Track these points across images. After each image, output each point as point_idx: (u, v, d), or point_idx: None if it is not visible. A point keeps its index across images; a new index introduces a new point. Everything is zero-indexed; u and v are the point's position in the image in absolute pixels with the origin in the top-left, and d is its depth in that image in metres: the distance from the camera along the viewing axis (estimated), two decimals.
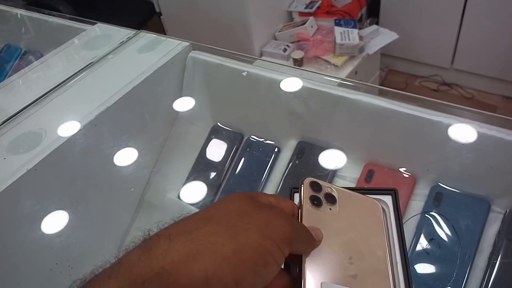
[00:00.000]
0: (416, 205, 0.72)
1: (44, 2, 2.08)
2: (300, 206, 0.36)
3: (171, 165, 0.92)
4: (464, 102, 2.23)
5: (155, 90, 0.86)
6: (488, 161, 0.67)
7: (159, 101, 0.90)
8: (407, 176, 0.75)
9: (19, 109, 0.78)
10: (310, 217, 0.35)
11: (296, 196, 0.42)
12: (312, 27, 1.97)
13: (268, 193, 0.37)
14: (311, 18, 1.97)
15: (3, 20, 1.20)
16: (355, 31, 1.86)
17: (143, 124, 0.88)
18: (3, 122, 0.75)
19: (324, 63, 1.87)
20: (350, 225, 0.37)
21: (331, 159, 0.81)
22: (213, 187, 0.87)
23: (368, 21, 2.09)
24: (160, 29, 2.22)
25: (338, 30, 1.87)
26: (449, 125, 0.67)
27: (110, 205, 0.81)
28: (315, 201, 0.36)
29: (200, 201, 0.86)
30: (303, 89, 0.79)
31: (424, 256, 0.66)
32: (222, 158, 0.90)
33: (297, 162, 0.84)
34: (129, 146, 0.82)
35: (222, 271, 0.26)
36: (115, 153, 0.80)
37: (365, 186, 0.76)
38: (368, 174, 0.77)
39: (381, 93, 0.76)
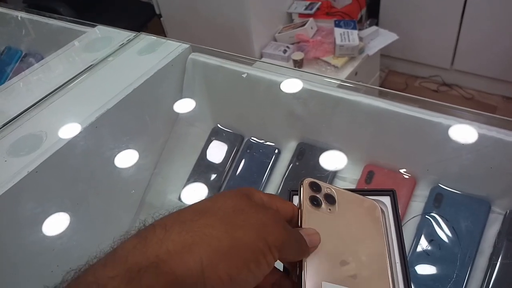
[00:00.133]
0: (416, 206, 0.72)
1: (44, 4, 2.09)
2: (299, 206, 0.36)
3: (171, 167, 0.92)
4: (464, 102, 2.24)
5: (155, 92, 0.86)
6: (488, 161, 0.67)
7: (159, 103, 0.90)
8: (407, 177, 0.75)
9: (19, 111, 0.78)
10: (310, 217, 0.35)
11: (295, 198, 0.42)
12: (312, 28, 1.97)
13: None
14: (311, 19, 1.98)
15: (3, 22, 1.20)
16: (355, 32, 1.87)
17: (144, 126, 0.88)
18: (4, 125, 0.76)
19: (324, 64, 1.87)
20: (350, 226, 0.37)
21: (331, 160, 0.81)
22: (213, 188, 0.87)
23: (368, 22, 2.10)
24: (160, 31, 2.23)
25: (338, 31, 1.87)
26: (449, 126, 0.67)
27: (111, 207, 0.82)
28: (315, 202, 0.36)
29: None
30: (303, 90, 0.79)
31: (425, 257, 0.66)
32: (223, 160, 0.90)
33: (297, 163, 0.84)
34: (129, 148, 0.82)
35: (217, 265, 0.26)
36: (115, 155, 0.80)
37: (365, 187, 0.76)
38: (368, 175, 0.78)
39: (381, 95, 0.77)
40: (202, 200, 0.31)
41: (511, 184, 0.67)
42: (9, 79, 1.06)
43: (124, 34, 0.97)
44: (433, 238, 0.67)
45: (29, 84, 0.89)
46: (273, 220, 0.30)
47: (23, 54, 1.16)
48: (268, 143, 0.89)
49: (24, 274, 0.66)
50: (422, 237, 0.68)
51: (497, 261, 0.62)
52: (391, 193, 0.43)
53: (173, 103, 0.92)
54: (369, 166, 0.78)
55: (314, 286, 0.32)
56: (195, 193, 0.88)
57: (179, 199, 0.88)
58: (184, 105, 0.92)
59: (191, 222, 0.28)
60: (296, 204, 0.37)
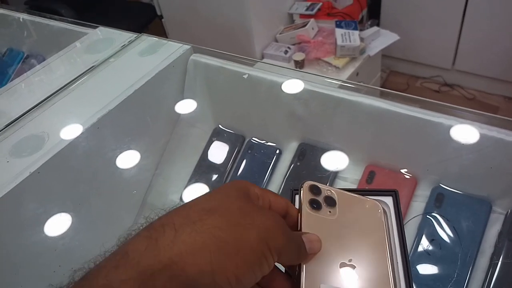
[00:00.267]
0: (417, 206, 0.72)
1: (46, 6, 2.10)
2: (299, 210, 0.36)
3: (173, 168, 0.92)
4: (465, 103, 2.23)
5: (156, 93, 0.86)
6: (489, 162, 0.67)
7: (160, 104, 0.91)
8: (408, 177, 0.75)
9: (21, 112, 0.78)
10: (310, 220, 0.35)
11: (297, 198, 0.42)
12: (313, 29, 1.97)
13: None
14: (312, 20, 1.98)
15: (5, 24, 1.20)
16: (356, 32, 1.87)
17: (145, 127, 0.89)
18: (6, 126, 0.76)
19: (325, 64, 1.87)
20: (350, 227, 0.37)
21: (332, 160, 0.81)
22: (215, 189, 0.87)
23: (369, 22, 2.10)
24: (161, 32, 2.23)
25: (339, 32, 1.87)
26: (449, 126, 0.67)
27: (112, 208, 0.82)
28: (315, 205, 0.36)
29: None
30: (304, 91, 0.80)
31: (426, 257, 0.66)
32: (224, 160, 0.90)
33: (298, 163, 0.84)
34: (131, 149, 0.82)
35: (225, 266, 0.27)
36: (117, 156, 0.80)
37: (366, 188, 0.76)
38: (369, 176, 0.78)
39: (382, 95, 0.77)
40: (207, 197, 0.32)
41: None
42: (11, 80, 1.07)
43: (125, 35, 0.97)
44: (434, 238, 0.67)
45: (31, 85, 0.89)
46: (275, 224, 0.31)
47: (25, 55, 1.17)
48: (269, 143, 0.89)
49: (26, 274, 0.67)
50: (423, 237, 0.68)
51: (498, 261, 0.62)
52: (394, 194, 0.44)
53: (175, 104, 0.92)
54: (370, 167, 0.79)
55: None
56: (196, 193, 0.87)
57: (181, 199, 0.88)
58: (186, 106, 0.92)
59: (200, 222, 0.28)
60: (297, 205, 0.37)
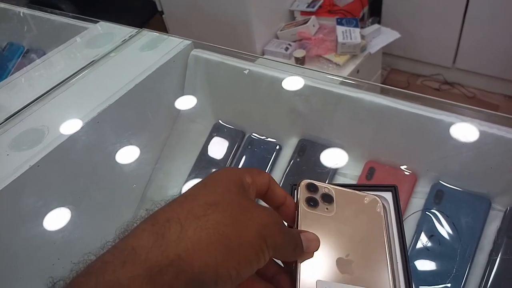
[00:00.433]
0: (416, 203, 0.72)
1: (46, 0, 2.09)
2: (296, 208, 0.36)
3: (173, 163, 0.92)
4: (466, 101, 2.23)
5: (157, 88, 0.86)
6: (489, 159, 0.67)
7: (161, 99, 0.91)
8: (408, 173, 0.75)
9: (21, 106, 0.78)
10: (306, 218, 0.36)
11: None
12: (314, 26, 1.97)
13: None
14: (313, 17, 1.97)
15: (6, 18, 1.20)
16: (357, 30, 1.87)
17: (145, 122, 0.89)
18: (6, 119, 0.76)
19: (326, 62, 1.87)
20: (348, 223, 0.37)
21: (332, 156, 0.81)
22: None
23: (370, 20, 2.09)
24: (162, 28, 2.23)
25: (340, 29, 1.87)
26: (450, 123, 0.67)
27: (112, 201, 0.82)
28: (311, 202, 0.37)
29: None
30: (305, 87, 0.80)
31: (424, 253, 0.66)
32: (224, 156, 0.90)
33: (298, 159, 0.84)
34: (131, 143, 0.82)
35: (228, 262, 0.28)
36: (117, 150, 0.80)
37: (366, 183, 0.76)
38: (369, 172, 0.78)
39: (383, 92, 0.77)
40: (209, 190, 0.32)
41: None
42: (11, 74, 1.07)
43: (126, 30, 0.97)
44: (433, 234, 0.67)
45: (31, 79, 0.89)
46: (273, 221, 0.31)
47: (25, 50, 1.17)
48: (269, 139, 0.89)
49: (25, 268, 0.67)
50: (422, 233, 0.68)
51: (497, 257, 0.62)
52: (393, 189, 0.44)
53: (175, 99, 0.92)
54: (370, 163, 0.79)
55: (308, 285, 0.32)
56: None
57: (180, 194, 0.88)
58: (186, 101, 0.92)
59: (204, 217, 0.29)
60: (296, 198, 0.37)
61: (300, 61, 1.86)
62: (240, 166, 0.88)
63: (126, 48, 0.92)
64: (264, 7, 1.93)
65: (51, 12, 1.11)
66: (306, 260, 0.33)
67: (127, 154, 0.81)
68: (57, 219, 0.69)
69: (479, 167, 0.69)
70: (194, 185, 0.33)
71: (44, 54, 1.01)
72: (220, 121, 0.95)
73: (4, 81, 0.89)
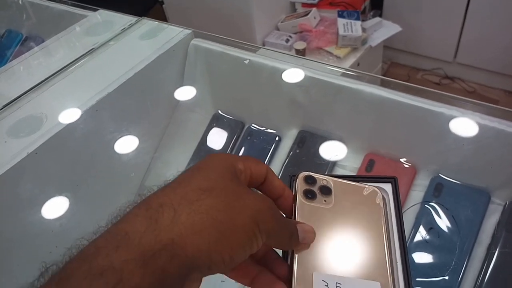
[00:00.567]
0: (416, 195, 0.72)
1: None
2: (294, 200, 0.36)
3: (171, 152, 0.92)
4: (466, 96, 2.23)
5: (156, 77, 0.85)
6: (489, 153, 0.67)
7: (160, 88, 0.90)
8: (407, 166, 0.75)
9: (20, 93, 0.78)
10: (304, 210, 0.36)
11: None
12: (315, 18, 1.96)
13: None
14: (314, 9, 1.96)
15: (4, 6, 1.19)
16: (358, 23, 1.85)
17: (144, 111, 0.88)
18: (4, 106, 0.75)
19: (326, 54, 1.86)
20: (347, 215, 0.37)
21: (332, 148, 0.81)
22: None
23: (371, 13, 2.08)
24: (162, 18, 2.21)
25: (341, 21, 1.86)
26: (450, 117, 0.67)
27: (110, 190, 0.82)
28: (309, 195, 0.37)
29: None
30: (305, 78, 0.79)
31: (423, 245, 0.66)
32: (223, 146, 0.90)
33: (297, 151, 0.84)
34: (129, 132, 0.82)
35: (221, 246, 0.28)
36: (116, 139, 0.80)
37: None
38: (369, 164, 0.77)
39: (383, 84, 0.76)
40: (202, 175, 0.32)
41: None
42: (9, 62, 1.06)
43: (126, 19, 0.96)
44: (432, 227, 0.67)
45: (30, 67, 0.88)
46: (266, 207, 0.32)
47: (23, 37, 1.16)
48: (269, 130, 0.89)
49: (22, 255, 0.67)
50: (421, 226, 0.68)
51: (495, 251, 0.62)
52: (393, 181, 0.43)
53: (174, 88, 0.91)
54: (370, 155, 0.78)
55: (304, 276, 0.32)
56: None
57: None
58: (185, 91, 0.91)
59: (198, 202, 0.29)
60: (294, 190, 0.37)
61: (301, 53, 1.86)
62: None
63: (126, 36, 0.91)
64: None
65: (50, 0, 1.10)
66: (303, 252, 0.33)
67: (126, 143, 0.80)
68: (54, 206, 0.69)
69: (479, 161, 0.68)
70: (187, 170, 0.33)
71: (43, 41, 1.01)
72: (219, 111, 0.94)
73: (2, 68, 0.89)
